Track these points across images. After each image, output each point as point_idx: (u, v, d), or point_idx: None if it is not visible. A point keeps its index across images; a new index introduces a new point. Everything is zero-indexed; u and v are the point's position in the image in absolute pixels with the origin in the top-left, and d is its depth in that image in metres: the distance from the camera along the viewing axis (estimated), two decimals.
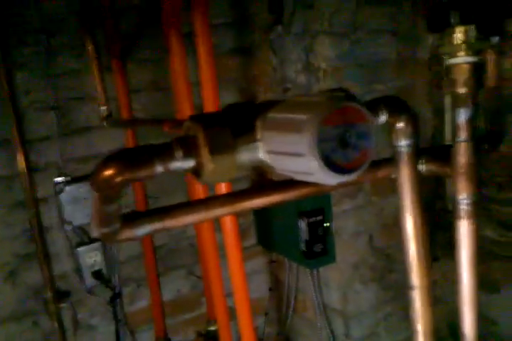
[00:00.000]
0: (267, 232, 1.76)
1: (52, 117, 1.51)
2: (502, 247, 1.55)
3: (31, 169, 1.50)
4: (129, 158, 0.45)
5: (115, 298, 1.62)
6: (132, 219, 0.52)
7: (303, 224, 1.47)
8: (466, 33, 0.55)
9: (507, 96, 0.93)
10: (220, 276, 1.35)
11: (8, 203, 1.50)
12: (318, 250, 1.47)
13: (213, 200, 0.57)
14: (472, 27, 0.54)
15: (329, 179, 0.42)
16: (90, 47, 1.44)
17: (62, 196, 1.52)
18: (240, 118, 0.47)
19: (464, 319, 0.57)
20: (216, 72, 1.18)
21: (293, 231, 1.51)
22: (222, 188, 1.12)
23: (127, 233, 0.51)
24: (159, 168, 0.45)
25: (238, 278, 1.23)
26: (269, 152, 0.45)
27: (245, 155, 0.46)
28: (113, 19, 1.49)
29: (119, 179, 0.44)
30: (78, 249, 1.58)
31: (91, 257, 1.59)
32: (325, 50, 1.46)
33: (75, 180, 1.55)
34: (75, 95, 1.55)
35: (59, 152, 1.53)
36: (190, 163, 0.47)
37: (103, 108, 1.50)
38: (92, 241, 1.60)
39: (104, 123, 1.50)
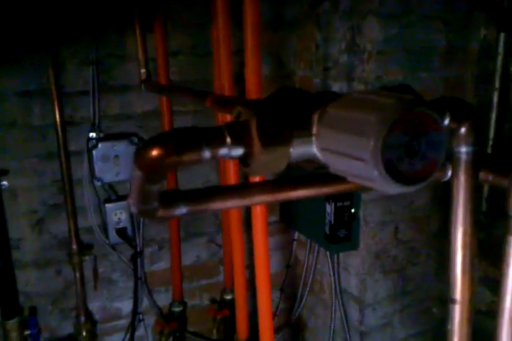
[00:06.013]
0: (292, 211, 1.75)
1: (90, 72, 1.49)
2: None
3: (65, 122, 1.49)
4: (177, 140, 0.43)
5: (137, 257, 1.65)
6: (170, 199, 0.50)
7: (329, 208, 1.45)
8: None
9: None
10: (243, 248, 1.35)
11: (41, 153, 1.51)
12: (342, 235, 1.46)
13: (250, 188, 0.55)
14: None
15: (391, 189, 0.39)
16: (136, 9, 1.40)
17: (95, 152, 1.54)
18: (296, 110, 0.45)
19: (501, 333, 0.56)
20: (260, 43, 1.13)
21: (318, 214, 1.49)
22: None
23: (164, 212, 0.50)
24: (207, 153, 0.43)
25: (261, 251, 1.22)
26: (325, 150, 0.43)
27: (298, 150, 0.44)
28: None
29: (165, 161, 0.43)
30: (106, 205, 1.60)
31: (117, 214, 1.62)
32: (372, 31, 1.39)
33: (108, 137, 1.56)
34: (115, 52, 1.53)
35: (94, 108, 1.52)
36: (238, 151, 0.45)
37: (142, 70, 1.46)
38: (119, 198, 1.62)
39: (142, 87, 1.47)
